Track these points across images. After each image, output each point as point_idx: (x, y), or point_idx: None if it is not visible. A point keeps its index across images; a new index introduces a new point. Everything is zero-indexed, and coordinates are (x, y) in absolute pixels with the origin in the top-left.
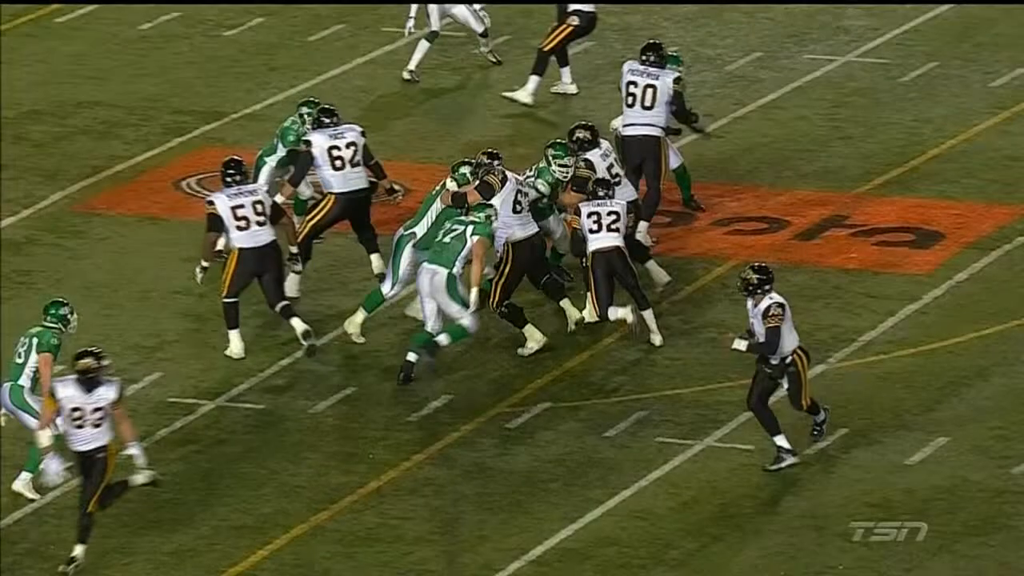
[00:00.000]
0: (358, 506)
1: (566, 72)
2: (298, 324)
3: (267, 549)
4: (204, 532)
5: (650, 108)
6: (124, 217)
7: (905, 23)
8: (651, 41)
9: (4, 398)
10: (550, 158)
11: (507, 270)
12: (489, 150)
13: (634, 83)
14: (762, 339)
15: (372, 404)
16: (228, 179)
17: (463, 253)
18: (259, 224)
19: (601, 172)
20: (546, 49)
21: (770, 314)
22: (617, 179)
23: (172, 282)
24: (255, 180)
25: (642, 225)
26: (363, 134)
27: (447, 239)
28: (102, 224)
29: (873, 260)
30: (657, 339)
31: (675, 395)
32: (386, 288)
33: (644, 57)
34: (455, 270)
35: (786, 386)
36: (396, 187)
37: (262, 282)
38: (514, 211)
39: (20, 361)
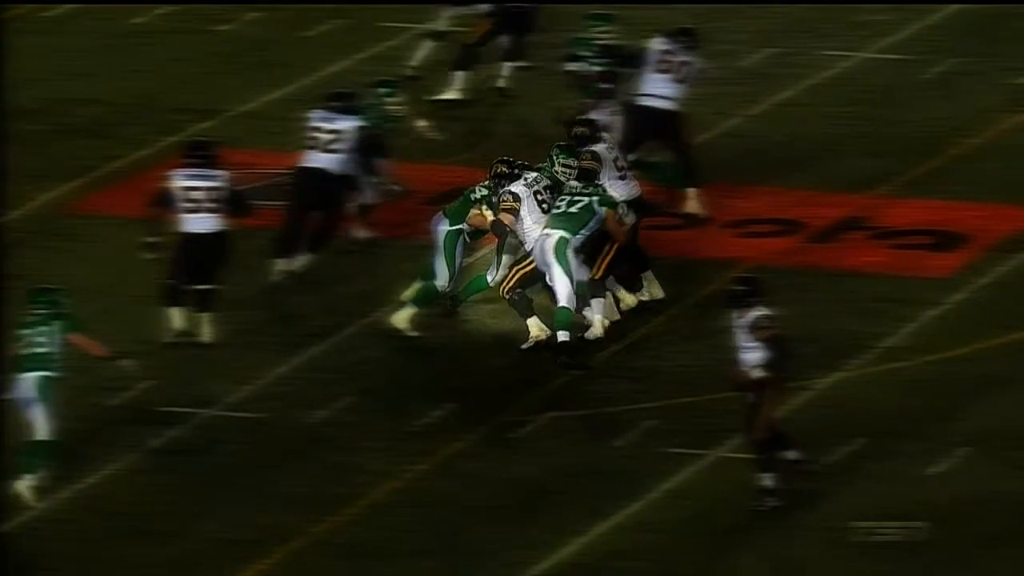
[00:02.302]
0: (357, 518)
1: (506, 67)
2: (205, 323)
3: (264, 563)
4: (198, 545)
5: (682, 82)
6: (117, 219)
7: (925, 18)
8: (686, 27)
9: (25, 390)
10: (554, 159)
11: (535, 265)
12: (505, 158)
13: (671, 52)
14: (766, 352)
15: (372, 413)
16: (189, 160)
17: (591, 224)
18: (210, 210)
19: (608, 164)
20: (468, 43)
21: (760, 327)
22: (623, 173)
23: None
24: None
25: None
26: (363, 129)
27: (573, 209)
28: (94, 226)
29: (892, 263)
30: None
31: (685, 404)
32: (441, 282)
33: (681, 39)
34: (574, 237)
35: (751, 400)
36: (396, 187)
37: (198, 265)
38: (544, 212)
39: (45, 350)
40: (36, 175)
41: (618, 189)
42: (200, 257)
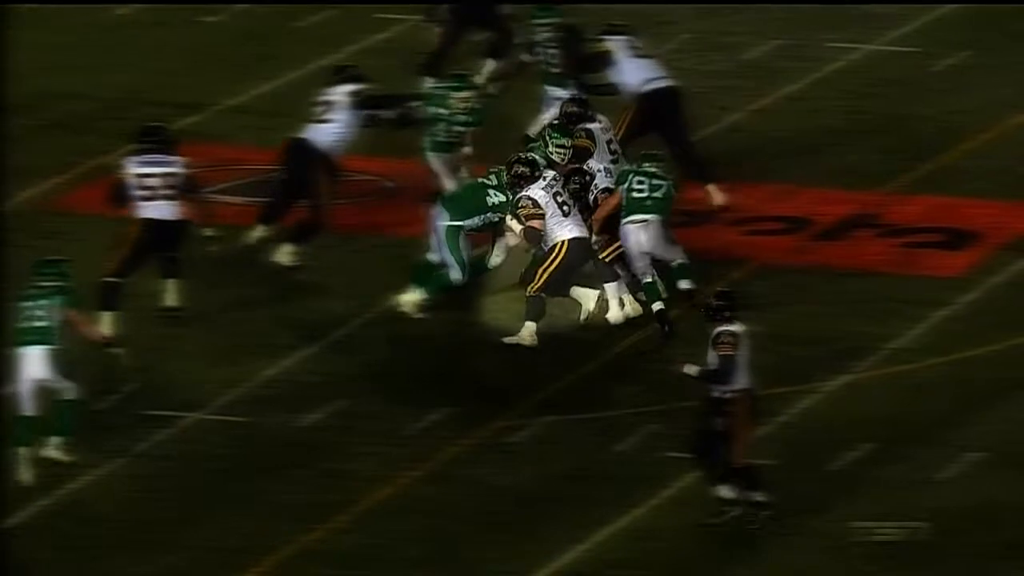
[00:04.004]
0: (350, 526)
1: (488, 63)
2: (171, 290)
3: (253, 572)
4: (185, 554)
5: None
6: (101, 217)
7: (934, 10)
8: (613, 22)
9: (38, 367)
10: (547, 139)
11: (557, 262)
12: (523, 156)
13: (630, 41)
14: (714, 367)
15: (364, 417)
16: (143, 146)
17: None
18: (167, 197)
19: (601, 146)
20: (435, 49)
21: (720, 341)
22: (615, 156)
23: (152, 287)
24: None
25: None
26: (360, 103)
27: (658, 194)
28: (77, 224)
29: (901, 262)
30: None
31: (689, 407)
32: (456, 276)
33: (622, 30)
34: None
35: (715, 427)
36: (389, 183)
37: (158, 252)
38: (564, 215)
39: (45, 324)
40: (17, 171)
41: (612, 172)
42: (159, 245)
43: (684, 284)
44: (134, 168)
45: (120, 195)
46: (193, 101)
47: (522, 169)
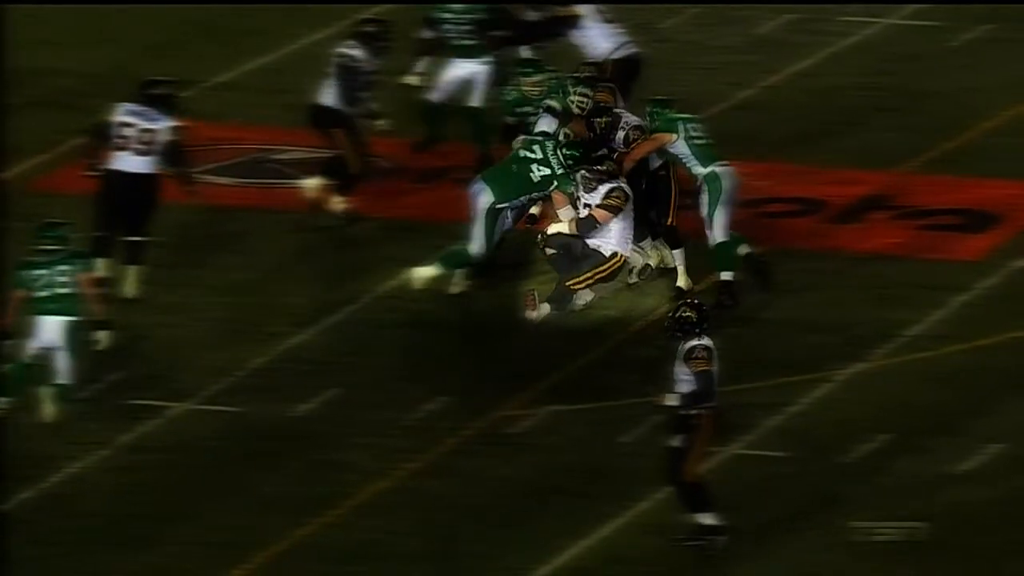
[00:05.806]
0: (345, 520)
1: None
2: (131, 278)
3: (244, 568)
4: (174, 549)
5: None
6: (86, 197)
7: None
8: None
9: (54, 335)
10: (569, 90)
11: (608, 273)
12: (600, 165)
13: (606, 12)
14: (692, 386)
15: (359, 407)
16: (139, 96)
17: None
18: (137, 152)
19: (620, 106)
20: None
21: (694, 356)
22: None
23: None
24: None
25: None
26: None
27: (711, 141)
28: (61, 205)
29: (918, 246)
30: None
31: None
32: (475, 249)
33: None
34: None
35: (676, 443)
36: (384, 163)
37: (121, 212)
38: (632, 221)
39: (68, 291)
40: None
41: None
42: (121, 199)
43: (727, 276)
44: (119, 116)
45: (100, 135)
46: (181, 77)
47: (612, 166)
